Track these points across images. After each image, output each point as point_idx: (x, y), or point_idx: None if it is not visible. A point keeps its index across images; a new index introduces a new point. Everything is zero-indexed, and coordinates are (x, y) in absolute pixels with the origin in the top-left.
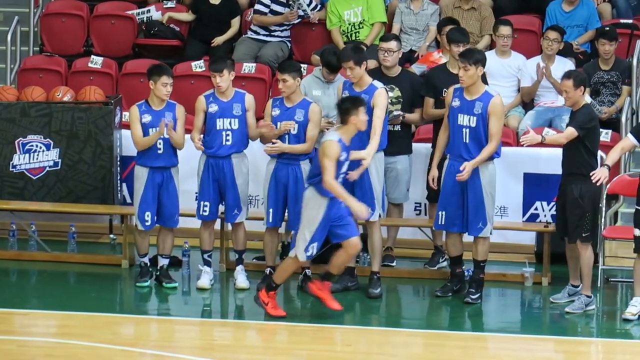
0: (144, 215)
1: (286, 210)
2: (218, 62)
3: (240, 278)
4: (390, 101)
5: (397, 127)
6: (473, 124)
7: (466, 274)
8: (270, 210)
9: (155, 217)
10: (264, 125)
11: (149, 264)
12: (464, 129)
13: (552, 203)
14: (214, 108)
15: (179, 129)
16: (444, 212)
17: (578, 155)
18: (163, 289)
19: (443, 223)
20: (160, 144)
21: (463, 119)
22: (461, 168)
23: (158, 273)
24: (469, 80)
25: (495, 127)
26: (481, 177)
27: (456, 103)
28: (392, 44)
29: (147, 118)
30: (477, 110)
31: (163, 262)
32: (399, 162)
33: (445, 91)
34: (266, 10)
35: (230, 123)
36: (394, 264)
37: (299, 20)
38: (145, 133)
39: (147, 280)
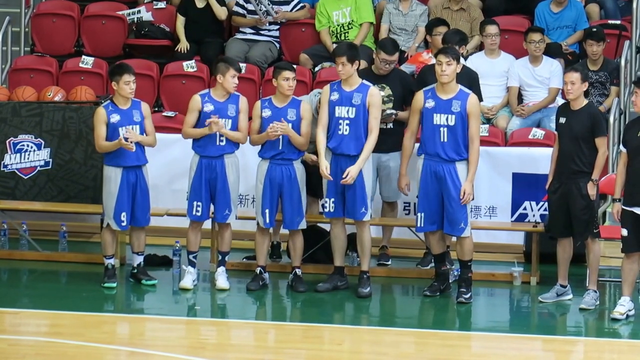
0: (120, 216)
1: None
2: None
3: (221, 279)
4: (381, 100)
5: (390, 125)
6: (452, 123)
7: (456, 272)
8: (267, 210)
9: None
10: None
11: (115, 265)
12: (441, 129)
13: (541, 203)
14: (209, 108)
15: (148, 127)
16: (422, 214)
17: (587, 152)
18: (142, 287)
19: (422, 225)
20: (131, 142)
21: (440, 119)
22: (466, 191)
23: (135, 271)
24: (452, 74)
25: (475, 127)
26: (460, 178)
27: (430, 104)
28: (395, 56)
29: (115, 118)
30: (456, 108)
31: (138, 260)
32: (391, 159)
33: None
34: (242, 10)
35: (224, 124)
36: (389, 262)
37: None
38: (114, 132)
39: (115, 281)
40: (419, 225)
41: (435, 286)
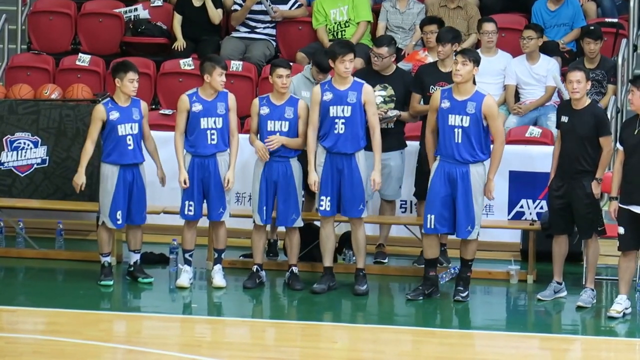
0: (116, 214)
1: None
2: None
3: (218, 277)
4: (383, 100)
5: (391, 125)
6: (466, 124)
7: (453, 271)
8: (263, 208)
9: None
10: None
11: (112, 263)
12: (455, 129)
13: (538, 201)
14: (197, 107)
15: (145, 127)
16: (433, 216)
17: (591, 152)
18: (139, 285)
19: (433, 226)
20: (130, 140)
21: (454, 119)
22: (491, 190)
23: (132, 269)
24: (466, 75)
25: (495, 126)
26: (472, 180)
27: (446, 104)
28: (383, 50)
29: (114, 115)
30: (470, 110)
31: (135, 257)
32: (391, 158)
33: (433, 88)
34: (238, 8)
35: (214, 122)
36: (386, 260)
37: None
38: (114, 129)
39: (112, 279)
40: (429, 226)
41: (419, 290)
